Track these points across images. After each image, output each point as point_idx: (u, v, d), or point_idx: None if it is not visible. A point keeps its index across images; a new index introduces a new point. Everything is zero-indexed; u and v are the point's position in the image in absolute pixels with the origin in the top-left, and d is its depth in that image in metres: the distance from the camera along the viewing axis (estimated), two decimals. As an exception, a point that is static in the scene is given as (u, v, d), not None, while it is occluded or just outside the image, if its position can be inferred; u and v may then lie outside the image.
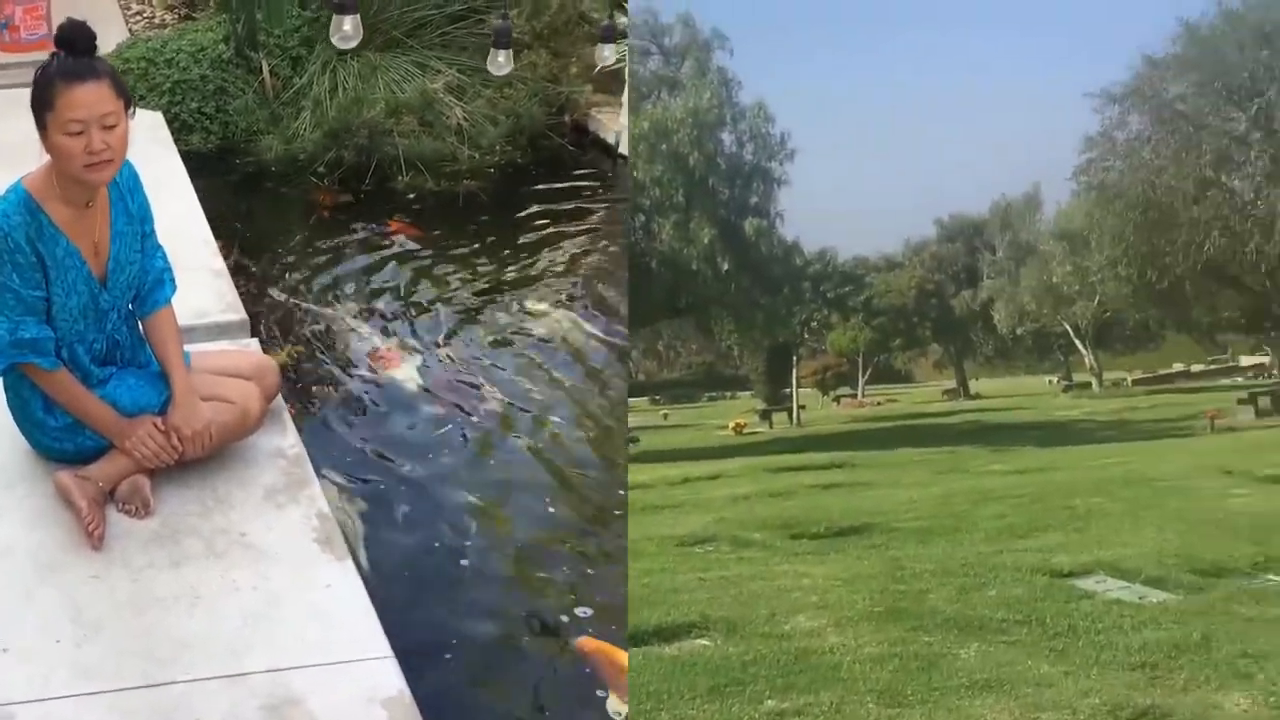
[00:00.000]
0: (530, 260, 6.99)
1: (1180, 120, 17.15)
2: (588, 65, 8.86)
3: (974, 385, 34.28)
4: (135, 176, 3.62)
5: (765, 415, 24.62)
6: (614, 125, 8.75)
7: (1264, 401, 17.46)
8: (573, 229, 7.51)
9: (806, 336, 30.65)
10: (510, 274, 6.80)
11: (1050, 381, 35.04)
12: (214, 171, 7.24)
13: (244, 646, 3.08)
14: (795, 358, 27.22)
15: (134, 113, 3.41)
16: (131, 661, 2.99)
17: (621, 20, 9.13)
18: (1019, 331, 29.80)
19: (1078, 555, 5.54)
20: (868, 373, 34.02)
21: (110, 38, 8.08)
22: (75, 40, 3.29)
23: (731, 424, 22.28)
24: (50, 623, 3.10)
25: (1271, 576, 5.01)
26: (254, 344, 4.74)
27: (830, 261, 29.00)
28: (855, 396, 32.97)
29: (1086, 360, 29.63)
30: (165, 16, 9.23)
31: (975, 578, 5.10)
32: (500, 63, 6.52)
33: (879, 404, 31.13)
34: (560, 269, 6.95)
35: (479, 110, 8.33)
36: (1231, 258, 16.74)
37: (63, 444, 3.61)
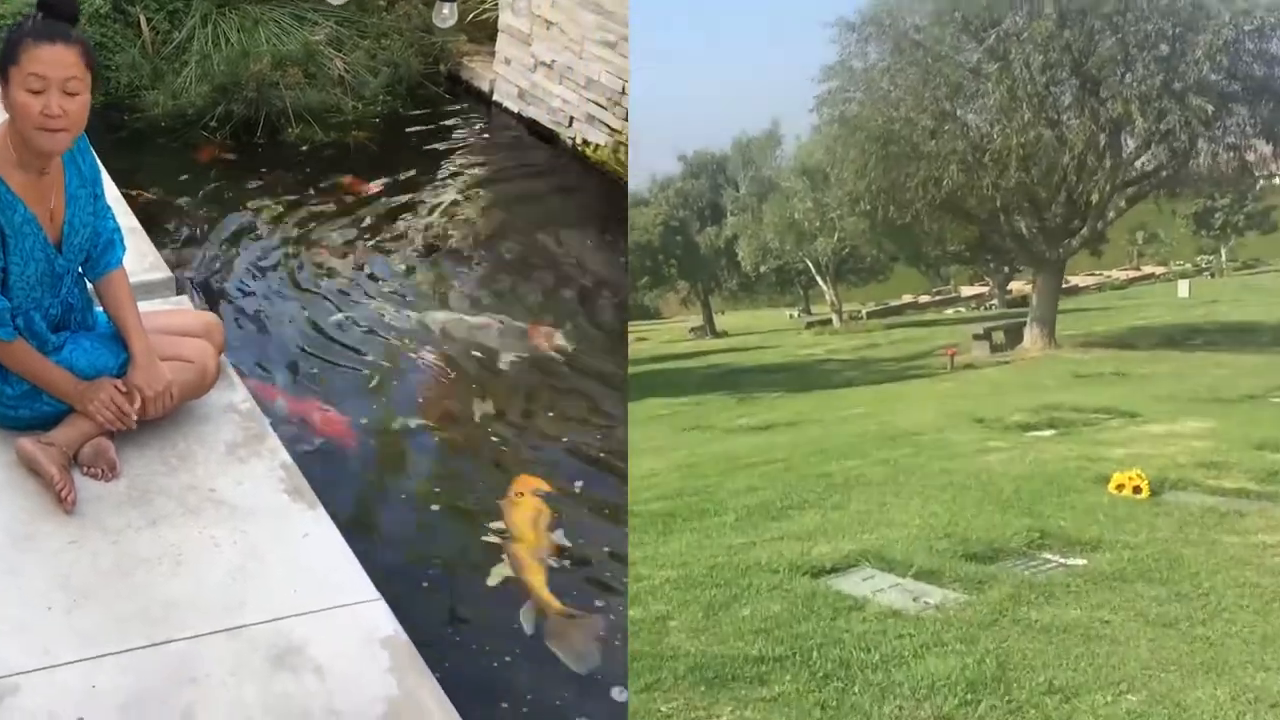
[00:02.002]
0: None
1: (918, 50, 15.80)
2: (461, 15, 8.61)
3: (720, 320, 33.02)
4: (84, 140, 3.37)
5: None
6: (487, 74, 8.54)
7: (997, 337, 17.04)
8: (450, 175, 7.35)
9: None
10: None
11: (791, 315, 34.19)
12: (102, 129, 6.78)
13: (236, 601, 2.95)
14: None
15: (99, 92, 3.18)
16: (129, 623, 2.83)
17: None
18: (762, 269, 28.60)
19: (839, 542, 4.58)
20: None
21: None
22: (57, 5, 3.04)
23: None
24: (37, 592, 2.91)
25: (1049, 555, 4.36)
26: (184, 301, 4.51)
27: None
28: None
29: (827, 296, 28.80)
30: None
31: (724, 588, 3.99)
32: (445, 15, 6.24)
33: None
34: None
35: (359, 61, 8.03)
36: (969, 193, 15.73)
37: (19, 411, 3.37)
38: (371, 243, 6.25)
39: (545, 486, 4.20)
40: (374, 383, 4.87)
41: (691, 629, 3.62)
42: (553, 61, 7.83)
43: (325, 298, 5.59)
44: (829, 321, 28.48)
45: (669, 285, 34.41)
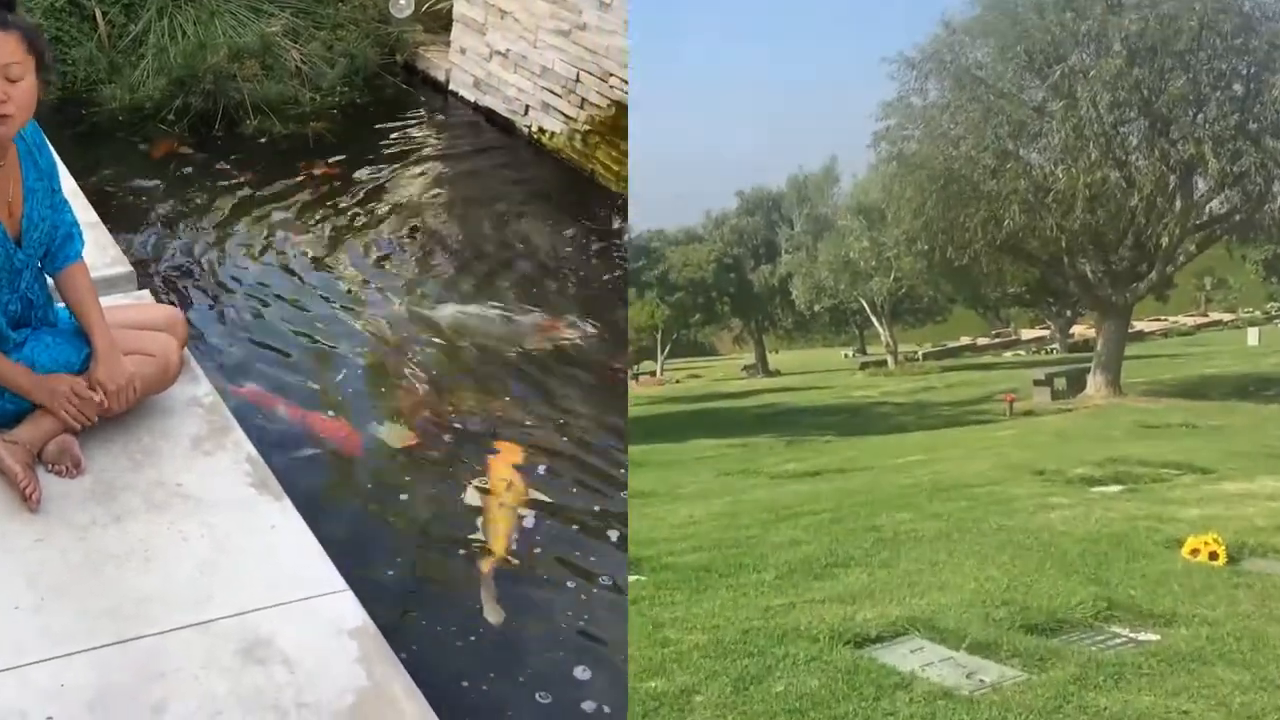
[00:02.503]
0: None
1: (979, 87, 14.93)
2: (417, 5, 8.52)
3: (774, 359, 32.08)
4: (40, 133, 3.30)
5: None
6: (443, 63, 8.46)
7: (1059, 383, 15.85)
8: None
9: None
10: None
11: (846, 355, 33.04)
12: (59, 123, 6.67)
13: (205, 595, 2.91)
14: None
15: (50, 74, 3.09)
16: (98, 620, 2.79)
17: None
18: (816, 308, 27.44)
19: (886, 606, 4.10)
20: (666, 350, 31.25)
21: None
22: None
23: None
24: (4, 591, 2.85)
25: (1117, 629, 3.86)
26: (146, 295, 4.43)
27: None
28: (654, 374, 30.44)
29: (882, 336, 27.59)
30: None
31: (758, 658, 3.55)
32: (401, 5, 6.16)
33: (678, 382, 28.68)
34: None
35: (315, 52, 7.93)
36: (1031, 234, 14.87)
37: (-20, 409, 3.31)
38: (333, 233, 6.19)
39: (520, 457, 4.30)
40: (363, 383, 4.82)
41: (718, 705, 3.20)
42: (507, 50, 7.78)
43: (300, 290, 5.55)
44: (884, 363, 27.50)
45: (722, 322, 33.46)
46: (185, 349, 3.82)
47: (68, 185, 5.07)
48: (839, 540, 5.42)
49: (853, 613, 4.02)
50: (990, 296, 24.33)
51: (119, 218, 5.90)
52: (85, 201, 4.99)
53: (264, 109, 7.36)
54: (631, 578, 4.46)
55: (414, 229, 6.39)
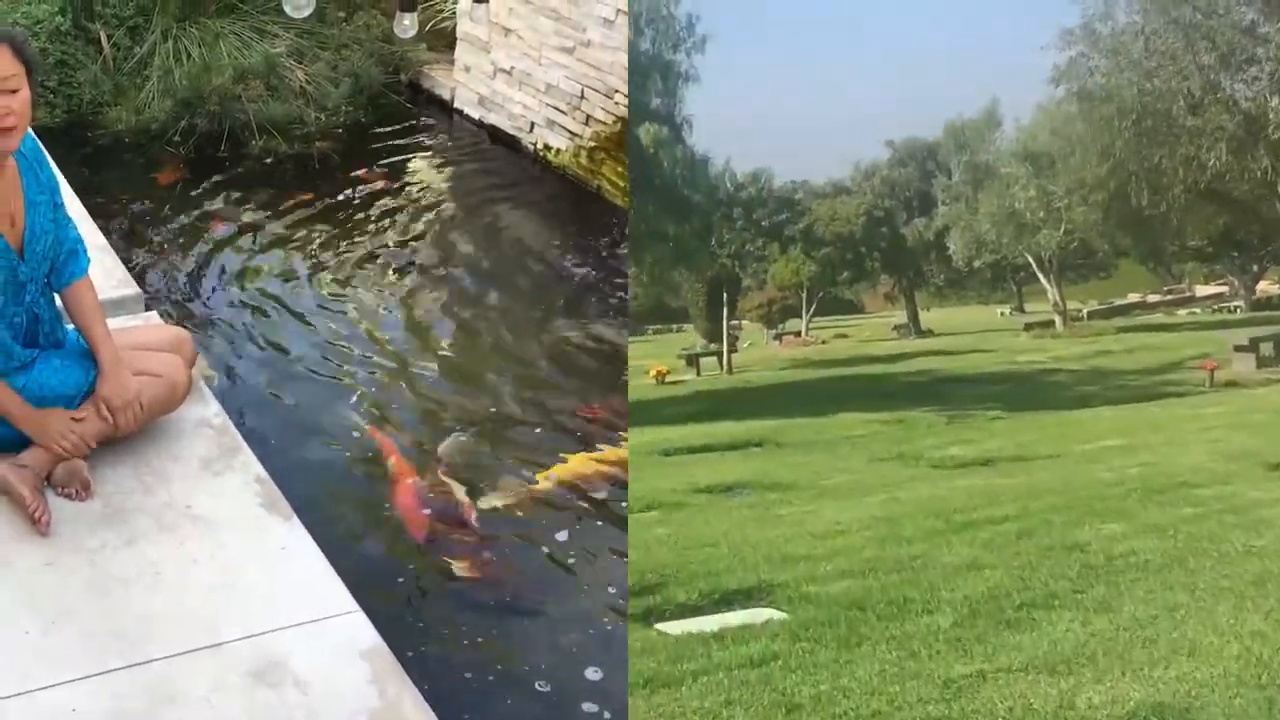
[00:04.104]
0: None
1: (1179, 7, 12.63)
2: (420, 24, 8.51)
3: (926, 318, 29.37)
4: (40, 149, 3.30)
5: (692, 360, 20.39)
6: (448, 82, 8.47)
7: (1265, 348, 13.44)
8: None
9: (741, 269, 25.49)
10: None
11: (1003, 313, 30.18)
12: (66, 145, 6.67)
13: (215, 617, 2.89)
14: (724, 294, 22.31)
15: (38, 72, 3.09)
16: (107, 644, 2.77)
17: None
18: (976, 264, 24.86)
19: (1117, 681, 2.89)
20: (812, 308, 28.60)
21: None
22: None
23: (652, 371, 17.44)
24: (13, 615, 2.84)
25: None
26: (154, 316, 4.42)
27: (765, 185, 24.33)
28: (799, 334, 28.07)
29: (1050, 294, 24.84)
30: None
31: None
32: (405, 25, 6.15)
33: (824, 342, 26.37)
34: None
35: (320, 72, 7.94)
36: (1241, 176, 12.79)
37: (-9, 433, 3.29)
38: (345, 255, 6.18)
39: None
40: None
41: None
42: (512, 68, 7.77)
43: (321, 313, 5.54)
44: (1050, 323, 24.77)
45: (872, 279, 30.55)
46: (193, 369, 3.81)
47: (75, 208, 5.09)
48: (1033, 564, 4.23)
49: (1071, 692, 2.85)
50: (1169, 249, 22.01)
51: (125, 239, 5.93)
52: (92, 225, 4.98)
53: (269, 129, 7.36)
54: (762, 616, 3.71)
55: (410, 253, 6.38)
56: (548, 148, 7.63)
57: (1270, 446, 7.02)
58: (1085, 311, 27.25)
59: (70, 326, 3.51)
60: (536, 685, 3.31)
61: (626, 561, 3.95)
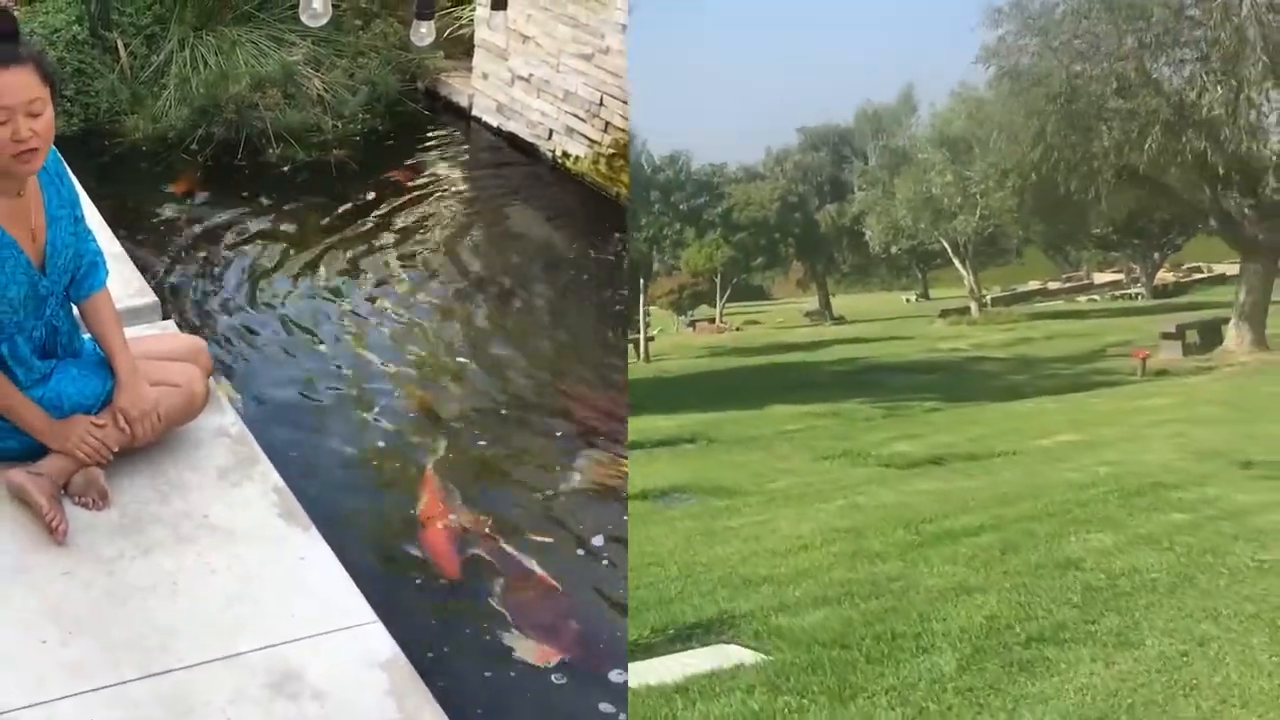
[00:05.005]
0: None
1: None
2: (438, 31, 8.55)
3: (834, 303, 29.48)
4: (60, 161, 3.31)
5: None
6: (465, 89, 8.50)
7: (1191, 336, 13.74)
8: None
9: (659, 253, 25.66)
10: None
11: (908, 299, 30.41)
12: (83, 154, 6.72)
13: (233, 627, 2.89)
14: (641, 280, 22.13)
15: (78, 118, 3.12)
16: (124, 654, 2.77)
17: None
18: (893, 249, 24.98)
19: None
20: (726, 294, 28.42)
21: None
22: None
23: None
24: (31, 624, 2.85)
25: None
26: (171, 326, 4.44)
27: (683, 168, 24.40)
28: (713, 321, 27.96)
29: (966, 280, 24.96)
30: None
31: None
32: (423, 33, 6.17)
33: (738, 329, 26.25)
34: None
35: (337, 80, 7.99)
36: (1173, 160, 12.73)
37: (8, 443, 3.30)
38: (363, 262, 6.20)
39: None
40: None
41: None
42: (530, 75, 7.80)
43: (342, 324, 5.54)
44: (965, 310, 24.84)
45: (785, 265, 30.55)
46: (211, 379, 3.83)
47: (92, 216, 5.12)
48: (1028, 587, 3.83)
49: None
50: (1083, 235, 22.20)
51: (142, 248, 5.96)
52: (110, 234, 5.02)
53: (286, 137, 7.41)
54: (730, 657, 3.25)
55: (430, 260, 6.40)
56: (566, 155, 7.64)
57: (1234, 443, 6.94)
58: (989, 298, 27.51)
59: (87, 336, 3.53)
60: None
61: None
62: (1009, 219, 18.53)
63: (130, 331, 3.92)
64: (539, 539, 3.87)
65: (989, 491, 5.79)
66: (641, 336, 20.52)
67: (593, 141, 7.46)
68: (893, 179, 23.73)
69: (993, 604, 3.69)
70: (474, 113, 8.42)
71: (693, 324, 27.88)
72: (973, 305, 25.10)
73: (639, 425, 9.34)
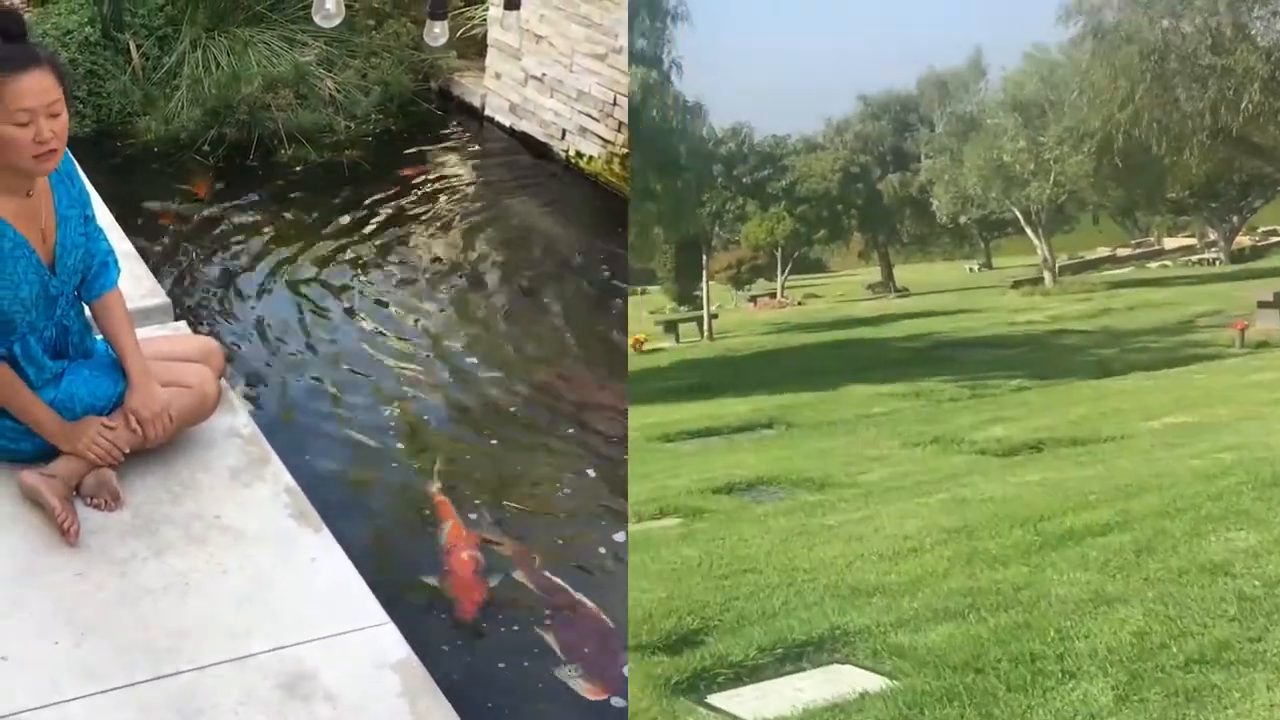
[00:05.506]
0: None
1: None
2: (450, 31, 8.57)
3: (895, 274, 28.48)
4: (71, 161, 3.34)
5: (671, 327, 18.98)
6: (478, 89, 8.52)
7: None
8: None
9: (722, 228, 24.90)
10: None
11: (971, 269, 29.54)
12: (95, 155, 6.76)
13: (245, 628, 2.91)
14: (705, 258, 21.44)
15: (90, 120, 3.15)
16: (135, 655, 2.79)
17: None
18: (962, 219, 24.04)
19: None
20: (787, 268, 27.54)
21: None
22: (8, 26, 2.99)
23: (630, 339, 15.69)
24: (44, 626, 2.87)
25: None
26: (183, 327, 4.46)
27: (746, 139, 23.62)
28: (773, 295, 26.97)
29: (1039, 250, 23.70)
30: (17, 1, 8.56)
31: None
32: (436, 34, 6.18)
33: (800, 303, 25.39)
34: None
35: (349, 81, 8.02)
36: (1273, 119, 12.00)
37: (20, 444, 3.32)
38: (373, 264, 6.23)
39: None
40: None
41: None
42: (543, 75, 7.81)
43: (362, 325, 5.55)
44: (1039, 280, 23.56)
45: (846, 237, 29.54)
46: (223, 379, 3.84)
47: (104, 216, 5.15)
48: (1174, 597, 3.33)
49: None
50: (1161, 200, 21.14)
51: (154, 248, 5.99)
52: (121, 234, 5.04)
53: (299, 138, 7.44)
54: (845, 679, 3.04)
55: (445, 260, 6.42)
56: (579, 155, 7.65)
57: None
58: (1056, 266, 26.17)
59: (99, 337, 3.55)
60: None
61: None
62: (1086, 184, 17.72)
63: (142, 332, 3.94)
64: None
65: (1106, 483, 5.20)
66: (705, 314, 19.77)
67: (606, 141, 7.47)
68: (961, 146, 22.75)
69: (1138, 618, 3.20)
70: (487, 113, 8.44)
71: (753, 299, 26.85)
72: (1046, 275, 23.73)
73: (712, 410, 9.08)
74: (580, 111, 7.61)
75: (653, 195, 13.57)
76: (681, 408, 9.27)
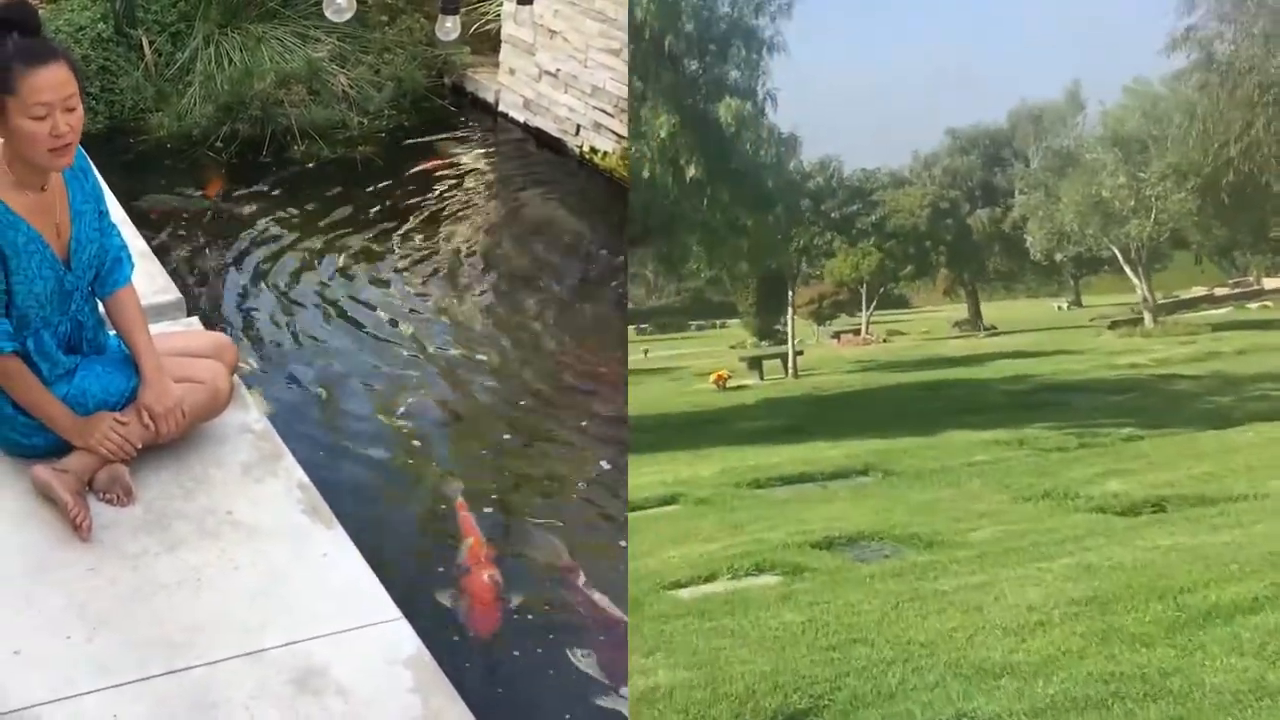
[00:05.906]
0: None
1: None
2: (464, 27, 8.59)
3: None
4: (84, 155, 3.37)
5: (755, 364, 18.68)
6: (492, 84, 8.53)
7: None
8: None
9: (809, 263, 24.67)
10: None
11: (1060, 307, 28.64)
12: (108, 152, 6.79)
13: (257, 623, 2.93)
14: (789, 291, 21.18)
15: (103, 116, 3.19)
16: (149, 650, 2.81)
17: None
18: (1058, 256, 23.09)
19: None
20: (872, 304, 26.94)
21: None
22: (24, 20, 3.02)
23: (713, 376, 16.33)
24: (56, 621, 2.89)
25: None
26: (195, 322, 4.49)
27: (835, 173, 23.43)
28: (857, 332, 26.54)
29: (1138, 289, 22.58)
30: (30, -3, 8.61)
31: None
32: (448, 28, 6.20)
33: (885, 340, 25.17)
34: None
35: (362, 76, 8.02)
36: None
37: (33, 439, 3.35)
38: (396, 262, 6.25)
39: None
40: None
41: None
42: (557, 70, 7.82)
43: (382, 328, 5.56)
44: (1137, 320, 22.62)
45: (933, 274, 28.50)
46: (235, 375, 3.86)
47: (116, 213, 5.17)
48: None
49: None
50: (1264, 239, 20.50)
51: (167, 244, 6.03)
52: (134, 230, 5.07)
53: (312, 134, 7.45)
54: None
55: (460, 257, 6.44)
56: (594, 150, 7.66)
57: None
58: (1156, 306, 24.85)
59: (112, 332, 3.57)
60: None
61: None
62: (1189, 222, 17.28)
63: (155, 328, 3.96)
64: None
65: (1249, 550, 4.67)
66: (790, 350, 19.37)
67: (620, 137, 7.47)
68: (1058, 182, 21.94)
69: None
70: (500, 108, 8.44)
71: (836, 335, 26.32)
72: (1146, 315, 22.54)
73: (804, 454, 8.56)
74: (594, 107, 7.61)
75: (742, 230, 13.05)
76: (772, 451, 8.80)
